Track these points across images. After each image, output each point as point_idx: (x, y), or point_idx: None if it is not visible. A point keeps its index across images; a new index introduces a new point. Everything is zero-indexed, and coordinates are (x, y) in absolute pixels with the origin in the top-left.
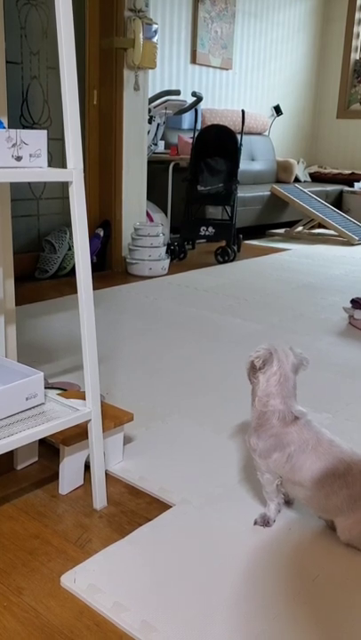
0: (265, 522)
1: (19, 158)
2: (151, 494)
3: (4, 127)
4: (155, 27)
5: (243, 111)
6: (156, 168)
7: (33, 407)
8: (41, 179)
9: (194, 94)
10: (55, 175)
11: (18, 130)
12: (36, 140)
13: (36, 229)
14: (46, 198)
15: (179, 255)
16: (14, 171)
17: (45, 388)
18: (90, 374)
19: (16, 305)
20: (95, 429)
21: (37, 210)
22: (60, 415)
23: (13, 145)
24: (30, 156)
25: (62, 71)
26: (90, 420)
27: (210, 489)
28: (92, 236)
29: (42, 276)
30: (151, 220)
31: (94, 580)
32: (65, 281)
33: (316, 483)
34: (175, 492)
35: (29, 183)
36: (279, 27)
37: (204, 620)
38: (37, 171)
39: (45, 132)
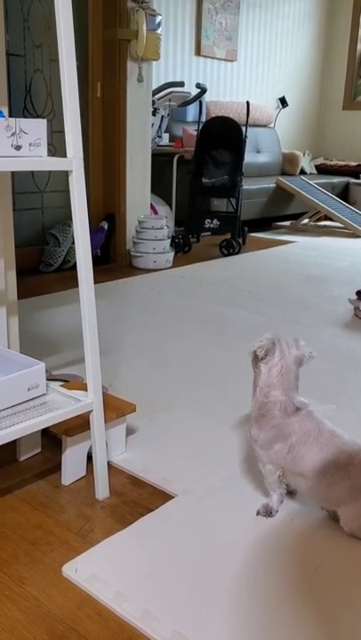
0: (267, 512)
1: (18, 147)
2: (153, 485)
3: (4, 116)
4: (158, 18)
5: (248, 103)
6: (160, 161)
7: (35, 398)
8: (40, 168)
9: (198, 86)
10: (55, 164)
11: (17, 119)
12: (36, 128)
13: (40, 223)
14: (50, 191)
15: (183, 248)
16: (13, 160)
17: (48, 379)
18: (91, 365)
19: (20, 298)
20: (97, 420)
21: (41, 203)
22: (61, 406)
23: (13, 134)
24: (30, 145)
25: (61, 57)
26: (92, 410)
27: (212, 480)
28: (97, 230)
29: (46, 270)
30: (155, 212)
31: (96, 570)
32: (69, 274)
33: (317, 473)
34: (177, 482)
35: (33, 175)
36: (284, 18)
37: (205, 610)
38: (37, 160)
39: (45, 120)
